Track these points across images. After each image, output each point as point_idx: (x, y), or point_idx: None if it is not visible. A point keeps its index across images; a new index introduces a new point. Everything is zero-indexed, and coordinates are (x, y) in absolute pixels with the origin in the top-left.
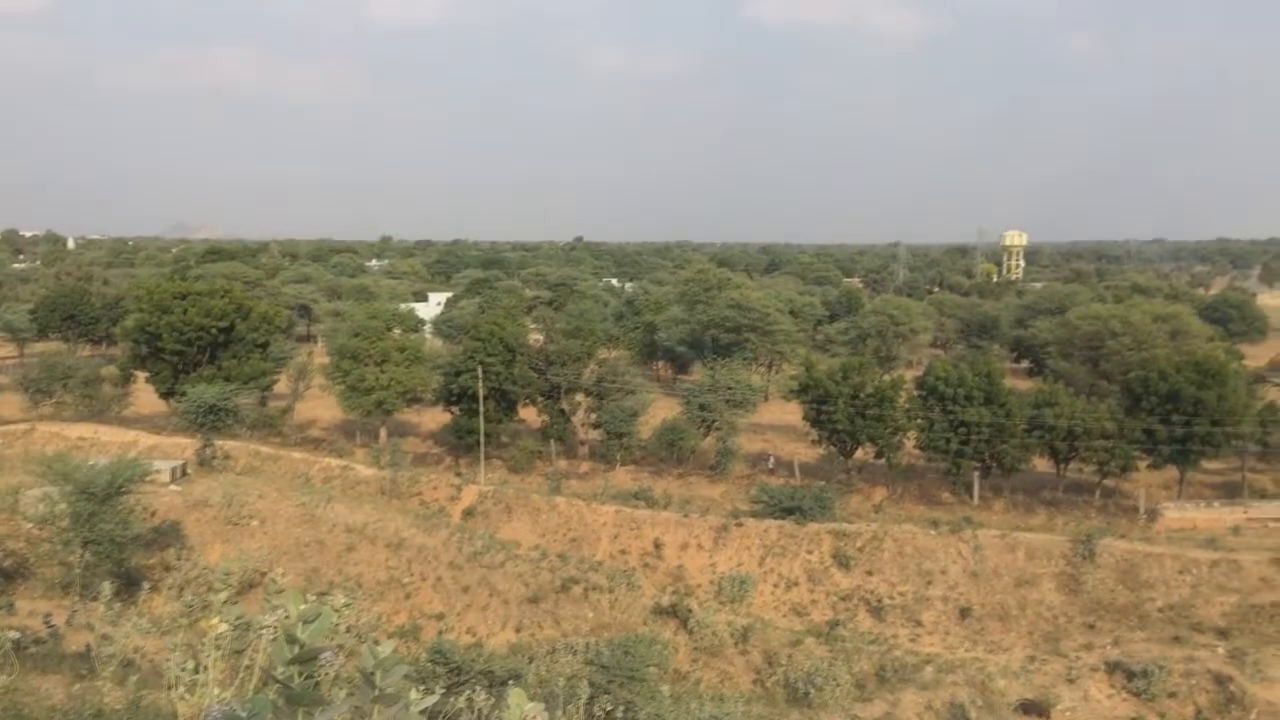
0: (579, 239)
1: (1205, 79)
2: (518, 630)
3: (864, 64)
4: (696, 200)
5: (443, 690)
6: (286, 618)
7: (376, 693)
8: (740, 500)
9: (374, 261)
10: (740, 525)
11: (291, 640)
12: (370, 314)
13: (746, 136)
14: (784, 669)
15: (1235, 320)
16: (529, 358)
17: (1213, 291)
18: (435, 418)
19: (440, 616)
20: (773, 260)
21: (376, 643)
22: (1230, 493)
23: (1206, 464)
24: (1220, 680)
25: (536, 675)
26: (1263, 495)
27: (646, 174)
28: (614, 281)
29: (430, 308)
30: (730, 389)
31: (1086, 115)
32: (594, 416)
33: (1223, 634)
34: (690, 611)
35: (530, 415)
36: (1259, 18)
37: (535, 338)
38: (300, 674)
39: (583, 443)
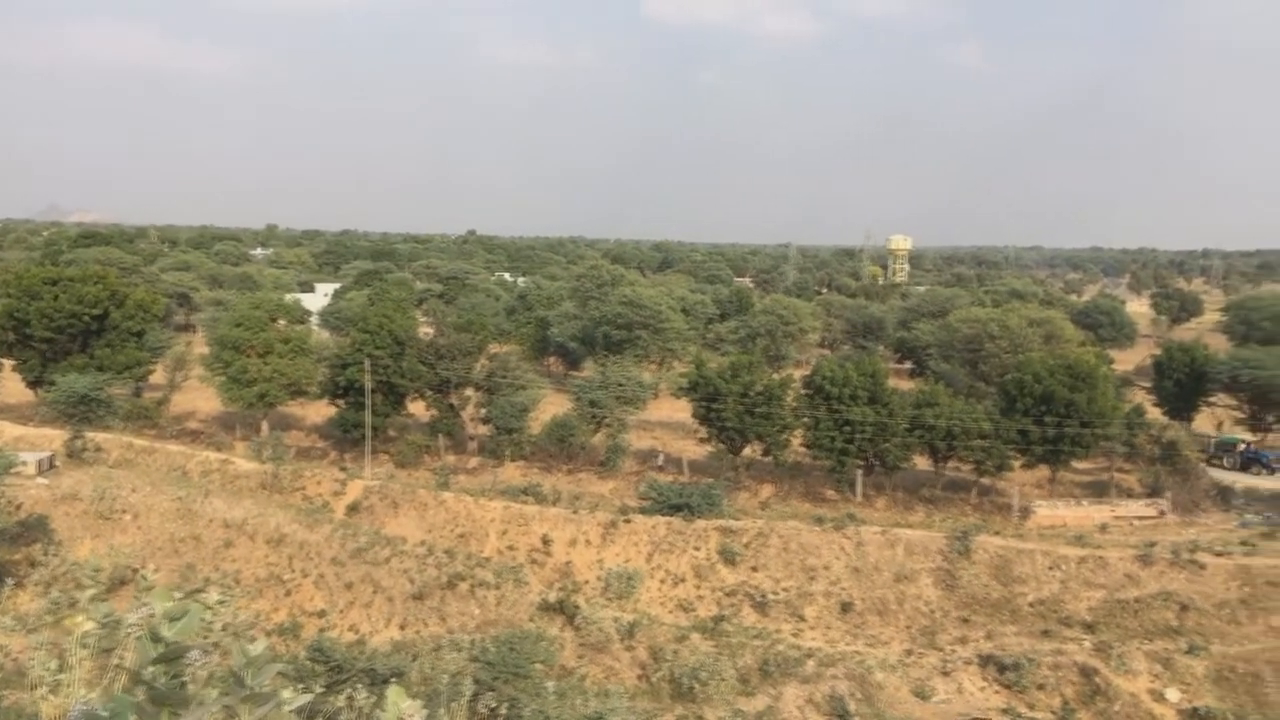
0: (472, 232)
1: (1081, 95)
2: (402, 627)
3: (758, 66)
4: (592, 196)
5: (322, 689)
6: (152, 616)
7: (247, 692)
8: (629, 497)
9: (259, 250)
10: (629, 522)
11: (156, 639)
12: (254, 304)
13: (644, 134)
14: (669, 664)
15: (1105, 326)
16: (419, 351)
17: (1085, 298)
18: (320, 411)
19: (322, 614)
20: (665, 258)
21: (251, 641)
22: (1098, 491)
23: (1077, 464)
24: (1086, 672)
25: (420, 673)
26: (1129, 494)
27: (542, 168)
28: (507, 276)
29: (317, 298)
30: (621, 385)
31: (969, 124)
32: (484, 411)
33: (1089, 628)
34: (577, 608)
35: (419, 409)
36: (1132, 40)
37: (426, 331)
38: (166, 673)
39: (472, 438)
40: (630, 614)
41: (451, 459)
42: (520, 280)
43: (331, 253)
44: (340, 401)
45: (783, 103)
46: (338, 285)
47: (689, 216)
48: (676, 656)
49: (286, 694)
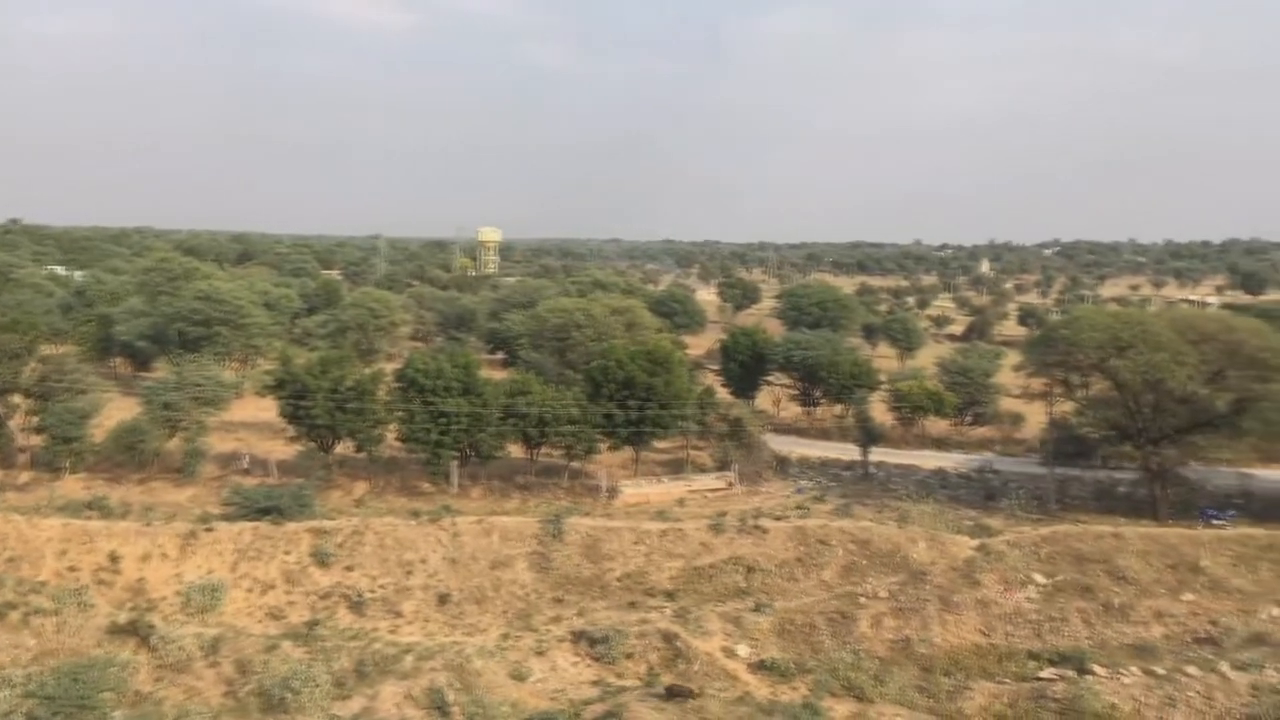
0: (14, 221)
1: (655, 100)
2: None
3: (352, 54)
4: (162, 185)
5: None
6: None
7: None
8: (211, 504)
9: None
10: (210, 530)
11: None
12: None
13: (223, 121)
14: (258, 676)
15: (680, 313)
16: None
17: (661, 288)
18: None
19: None
20: (246, 250)
21: None
22: (676, 468)
23: (658, 443)
24: (668, 638)
25: None
26: (702, 469)
27: (101, 153)
28: (60, 269)
29: None
30: (199, 386)
31: (557, 122)
32: (36, 420)
33: (671, 596)
34: (153, 627)
35: None
36: (702, 50)
37: None
38: None
39: (22, 450)
40: (214, 628)
41: None
42: (77, 274)
43: None
44: None
45: (377, 94)
46: None
47: (273, 207)
48: (266, 667)
49: None
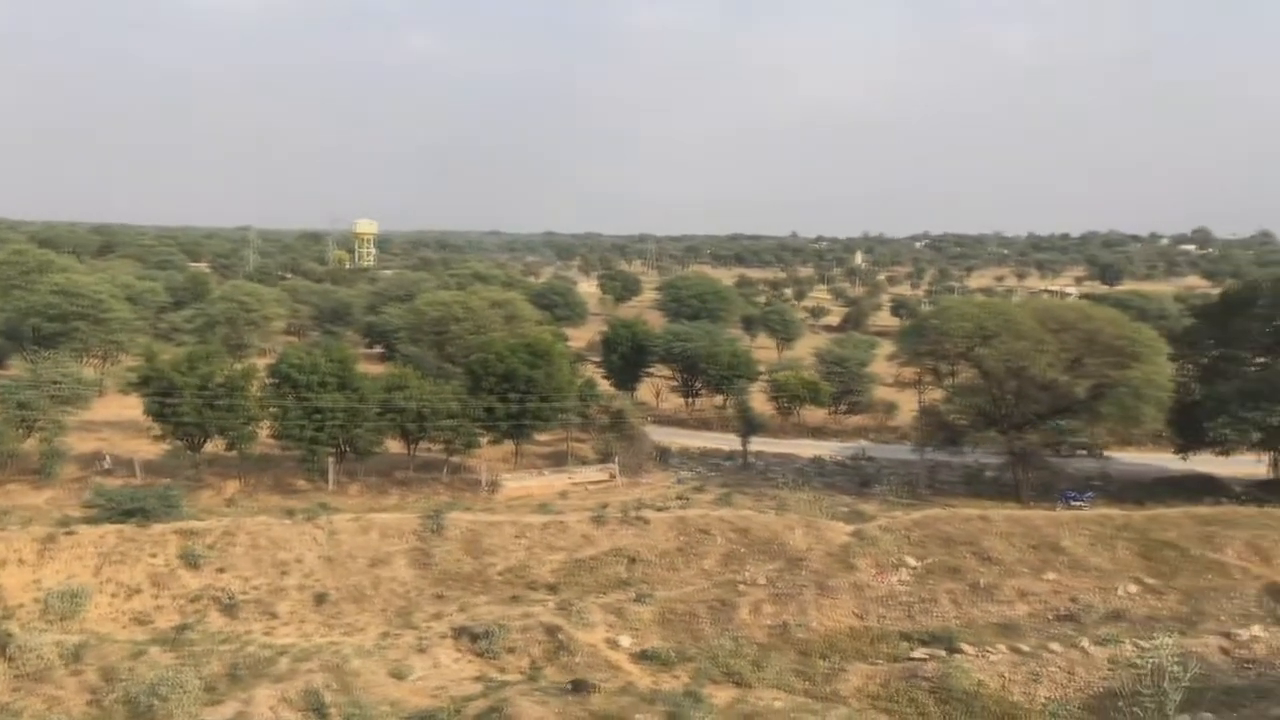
0: None
1: (535, 89)
2: None
3: (205, 37)
4: (11, 173)
5: None
6: None
7: None
8: (72, 506)
9: None
10: (71, 534)
11: None
12: None
13: (71, 107)
14: (124, 684)
15: (561, 305)
16: None
17: (541, 280)
18: None
19: None
20: (107, 242)
21: None
22: (558, 461)
23: (539, 436)
24: (551, 631)
25: None
26: (584, 462)
27: None
28: None
29: None
30: (57, 384)
31: (431, 112)
32: None
33: (553, 589)
34: (10, 635)
35: None
36: (577, 42)
37: None
38: None
39: None
40: (76, 635)
41: None
42: None
43: None
44: None
45: (232, 80)
46: None
47: (135, 198)
48: (132, 674)
49: None
